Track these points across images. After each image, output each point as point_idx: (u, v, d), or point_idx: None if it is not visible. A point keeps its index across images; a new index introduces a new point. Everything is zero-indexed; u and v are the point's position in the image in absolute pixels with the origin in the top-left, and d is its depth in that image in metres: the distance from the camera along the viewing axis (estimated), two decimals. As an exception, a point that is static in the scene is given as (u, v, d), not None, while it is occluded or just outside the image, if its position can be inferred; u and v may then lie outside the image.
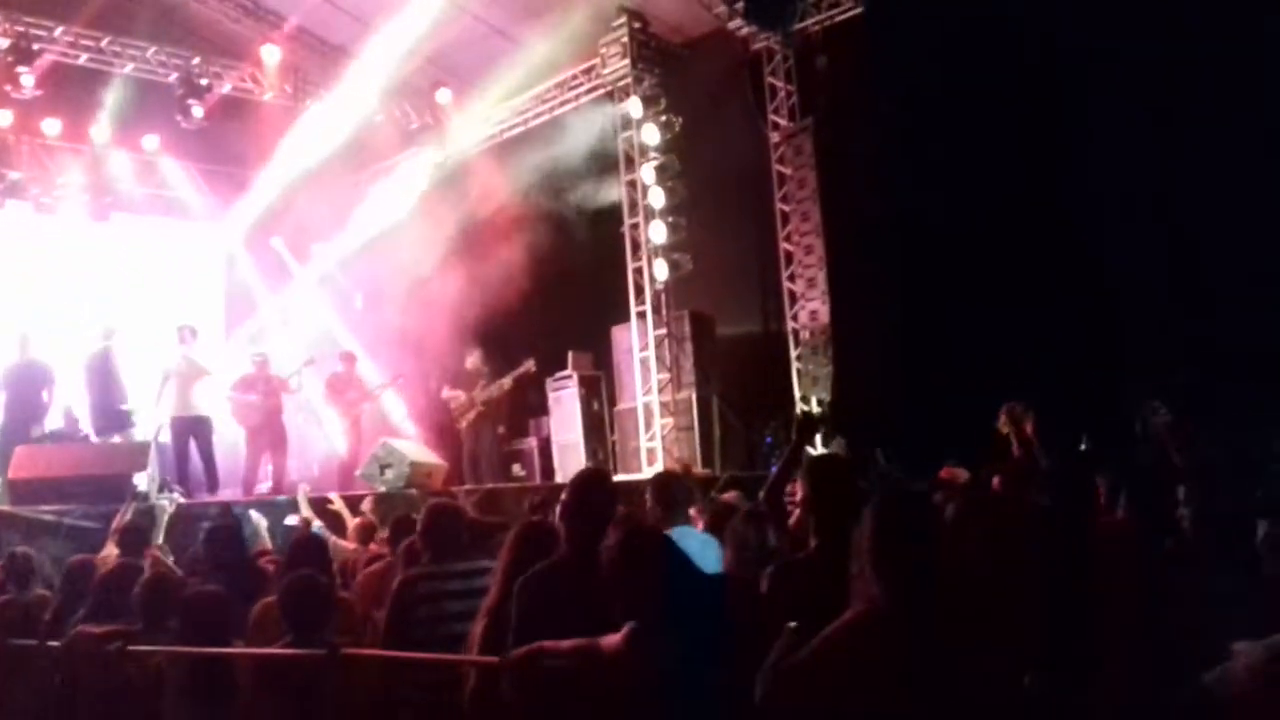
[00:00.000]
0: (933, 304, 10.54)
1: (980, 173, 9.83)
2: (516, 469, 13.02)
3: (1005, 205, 9.71)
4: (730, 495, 6.21)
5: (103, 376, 10.48)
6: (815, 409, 11.29)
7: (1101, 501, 4.35)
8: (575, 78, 13.35)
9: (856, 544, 2.75)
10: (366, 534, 6.97)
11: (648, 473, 11.82)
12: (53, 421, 11.65)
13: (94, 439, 10.54)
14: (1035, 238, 9.60)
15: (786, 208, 12.62)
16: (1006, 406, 5.57)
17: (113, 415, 10.46)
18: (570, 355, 12.76)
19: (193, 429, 10.08)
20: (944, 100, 10.24)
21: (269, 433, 10.44)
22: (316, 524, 7.80)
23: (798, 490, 3.92)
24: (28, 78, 11.83)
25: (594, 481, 3.82)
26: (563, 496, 3.73)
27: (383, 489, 9.85)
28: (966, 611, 2.67)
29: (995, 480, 5.18)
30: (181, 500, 8.41)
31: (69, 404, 11.81)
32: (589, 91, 13.24)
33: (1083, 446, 6.73)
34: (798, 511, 4.02)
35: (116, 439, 10.27)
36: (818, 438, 11.05)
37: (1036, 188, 9.62)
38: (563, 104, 13.56)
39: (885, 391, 10.96)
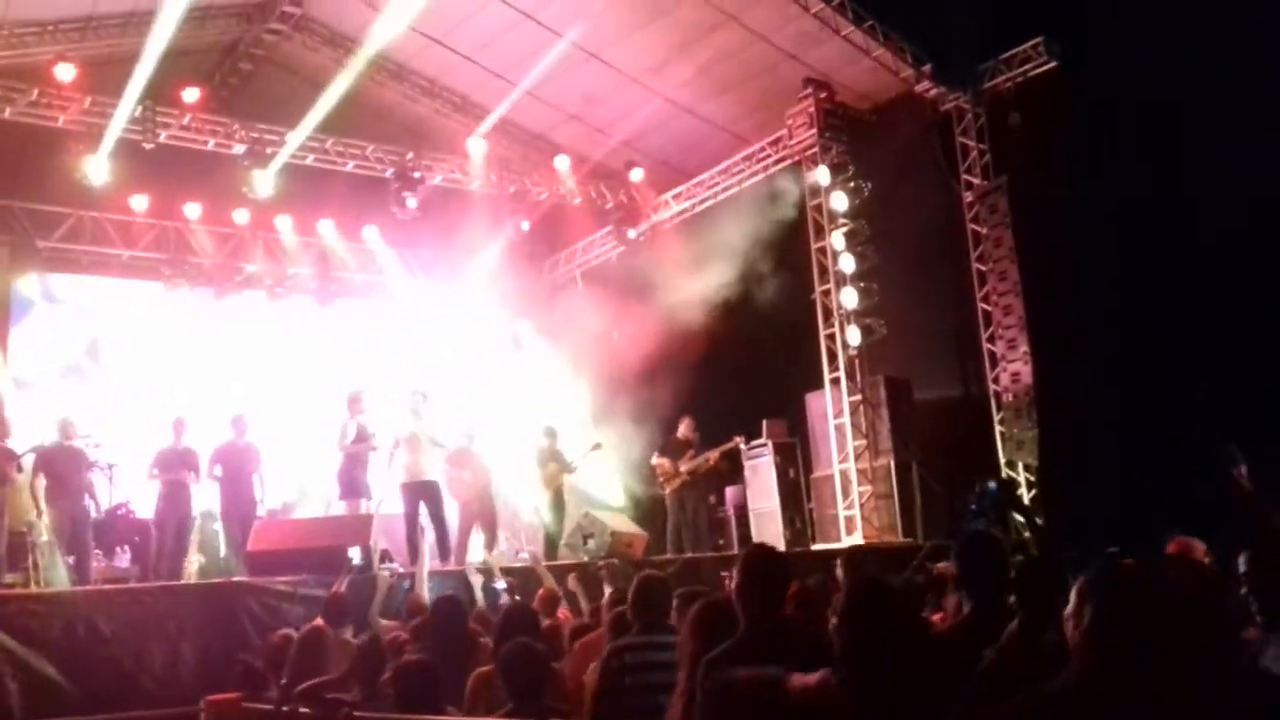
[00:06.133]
0: (1143, 361, 10.08)
1: (1186, 223, 9.41)
2: (716, 539, 13.08)
3: (1214, 254, 9.23)
4: (945, 566, 6.10)
5: (342, 446, 11.21)
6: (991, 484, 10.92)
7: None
8: (763, 149, 13.59)
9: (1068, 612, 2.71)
10: (550, 605, 7.11)
11: (846, 541, 11.70)
12: (287, 495, 12.61)
13: (338, 504, 11.37)
14: (1251, 288, 9.06)
15: (983, 268, 12.39)
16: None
17: (355, 483, 11.16)
18: (765, 423, 12.80)
19: (422, 494, 10.50)
20: (1144, 150, 9.89)
21: (479, 505, 10.87)
22: (501, 584, 8.12)
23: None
24: (264, 180, 12.99)
25: (763, 558, 3.81)
26: (735, 575, 3.74)
27: (585, 558, 10.12)
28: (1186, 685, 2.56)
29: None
30: (400, 570, 8.89)
31: (303, 477, 12.77)
32: (777, 162, 13.44)
33: None
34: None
35: (355, 505, 10.93)
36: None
37: (1250, 235, 9.10)
38: (751, 175, 13.81)
39: (1097, 454, 10.51)
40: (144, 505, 10.90)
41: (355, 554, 8.58)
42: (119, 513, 11.05)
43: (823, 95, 12.64)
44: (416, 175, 13.73)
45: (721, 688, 3.33)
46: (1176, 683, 2.51)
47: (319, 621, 6.69)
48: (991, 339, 12.23)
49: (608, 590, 7.06)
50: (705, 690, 3.40)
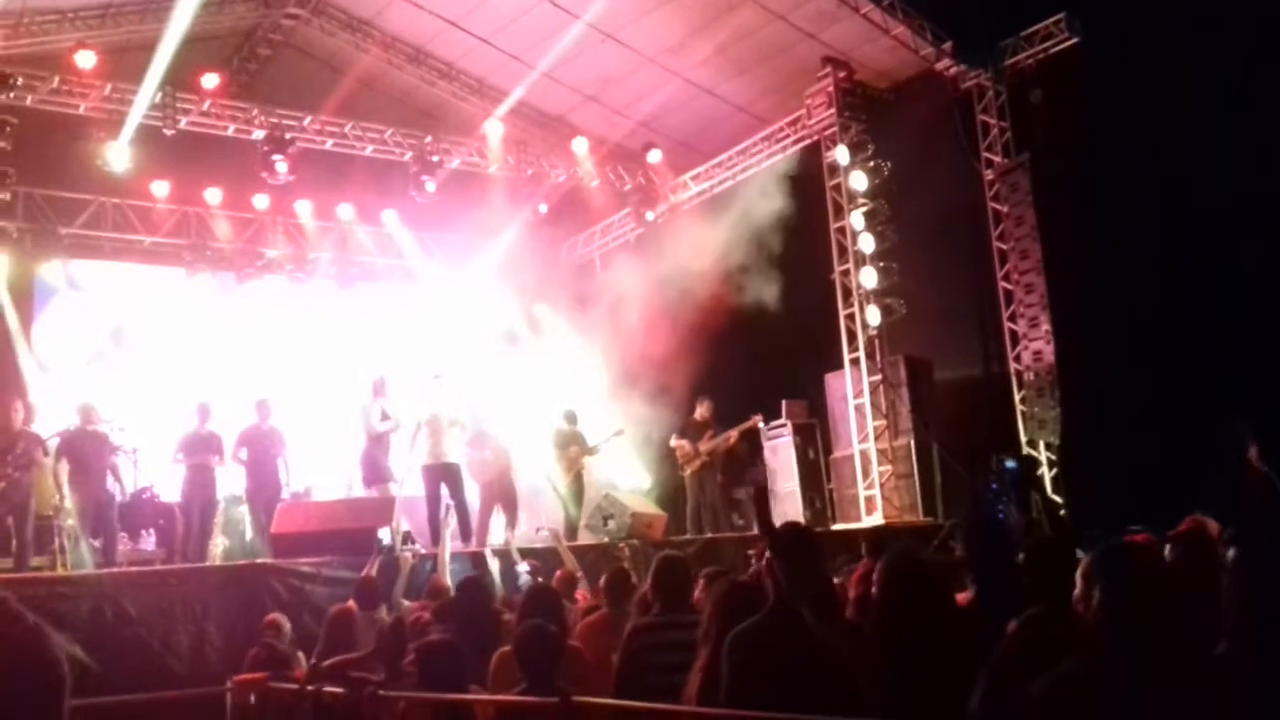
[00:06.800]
0: (1166, 339, 10.01)
1: (1208, 202, 9.32)
2: (734, 518, 13.09)
3: (1237, 233, 9.14)
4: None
5: (369, 429, 11.29)
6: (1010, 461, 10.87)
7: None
8: (782, 129, 13.52)
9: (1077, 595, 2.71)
10: (568, 586, 7.14)
11: (867, 522, 11.69)
12: (307, 478, 12.69)
13: (361, 488, 11.46)
14: (1274, 267, 8.97)
15: (1004, 246, 12.31)
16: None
17: (378, 467, 11.23)
18: (784, 404, 12.78)
19: (443, 476, 10.51)
20: (1166, 128, 9.79)
21: (500, 487, 10.91)
22: (524, 566, 8.16)
23: None
24: (281, 164, 12.99)
25: (797, 536, 3.84)
26: (766, 553, 3.77)
27: (605, 539, 10.17)
28: (1191, 669, 2.55)
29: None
30: (422, 552, 8.96)
31: (324, 460, 12.84)
32: (796, 142, 13.37)
33: None
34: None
35: (382, 489, 11.01)
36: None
37: (1273, 215, 9.00)
38: (770, 156, 13.74)
39: (1118, 433, 10.46)
40: (169, 489, 11.01)
41: (385, 535, 8.64)
42: (144, 496, 11.17)
43: (841, 74, 12.55)
44: (435, 159, 13.75)
45: (747, 636, 3.36)
46: (1187, 664, 2.50)
47: (350, 603, 6.76)
48: (1013, 318, 12.17)
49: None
50: (731, 644, 3.42)
